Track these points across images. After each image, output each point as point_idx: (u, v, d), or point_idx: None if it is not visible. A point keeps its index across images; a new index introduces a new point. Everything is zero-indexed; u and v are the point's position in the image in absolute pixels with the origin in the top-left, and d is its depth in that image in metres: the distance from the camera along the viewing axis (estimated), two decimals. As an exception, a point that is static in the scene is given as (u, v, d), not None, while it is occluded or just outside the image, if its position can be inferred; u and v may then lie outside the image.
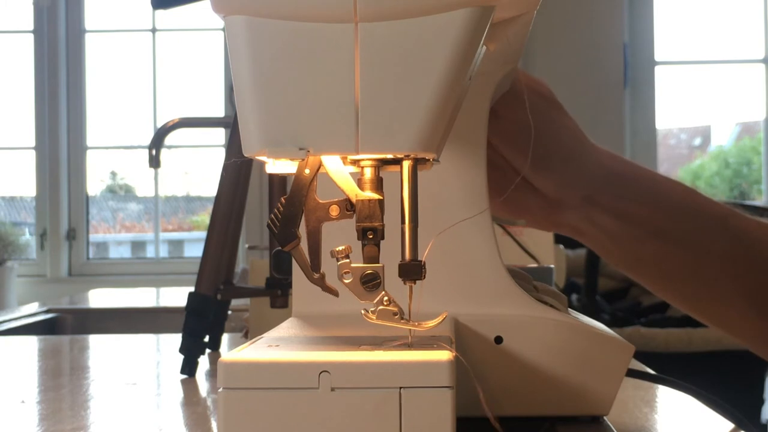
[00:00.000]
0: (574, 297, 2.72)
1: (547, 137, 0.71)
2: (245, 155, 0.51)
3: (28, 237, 4.26)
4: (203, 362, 1.11)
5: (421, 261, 0.52)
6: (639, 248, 0.73)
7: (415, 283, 0.52)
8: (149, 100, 4.23)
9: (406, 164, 0.52)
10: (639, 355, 0.88)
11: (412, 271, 0.52)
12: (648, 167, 0.77)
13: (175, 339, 1.15)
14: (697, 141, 4.91)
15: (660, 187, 0.74)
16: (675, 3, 4.14)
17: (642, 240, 0.73)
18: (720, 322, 0.76)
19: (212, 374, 1.07)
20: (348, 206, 0.52)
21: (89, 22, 4.22)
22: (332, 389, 0.47)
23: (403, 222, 0.52)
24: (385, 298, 0.51)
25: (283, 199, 0.52)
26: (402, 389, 0.47)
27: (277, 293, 1.16)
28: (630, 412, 0.80)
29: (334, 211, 0.52)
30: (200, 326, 1.10)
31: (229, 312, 1.27)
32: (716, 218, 0.73)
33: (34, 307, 2.18)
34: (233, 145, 1.16)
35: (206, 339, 1.11)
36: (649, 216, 0.72)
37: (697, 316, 0.76)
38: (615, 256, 0.75)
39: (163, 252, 4.35)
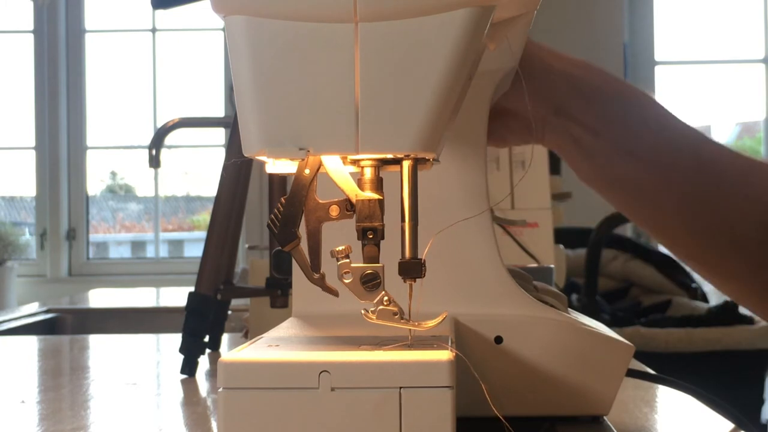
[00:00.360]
0: (574, 297, 2.72)
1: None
2: (245, 155, 0.51)
3: (28, 237, 4.26)
4: (203, 362, 1.11)
5: (421, 259, 0.52)
6: (610, 167, 0.72)
7: (415, 281, 0.52)
8: (149, 100, 4.23)
9: (406, 164, 0.52)
10: (639, 355, 0.88)
11: (412, 269, 0.52)
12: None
13: (175, 339, 1.15)
14: (697, 141, 4.90)
15: (635, 105, 0.73)
16: (675, 3, 4.14)
17: (614, 159, 0.72)
18: (687, 253, 0.75)
19: (212, 374, 1.07)
20: (348, 206, 0.52)
21: (89, 22, 4.22)
22: (332, 389, 0.47)
23: (403, 220, 0.52)
24: (385, 298, 0.51)
25: (283, 199, 0.52)
26: (402, 389, 0.47)
27: (277, 293, 1.17)
28: (630, 412, 0.80)
29: (334, 211, 0.52)
30: (200, 326, 1.10)
31: (229, 312, 1.27)
32: (689, 146, 0.72)
33: (34, 307, 2.18)
34: (233, 145, 1.16)
35: (206, 339, 1.11)
36: (622, 133, 0.72)
37: (666, 246, 0.75)
38: (587, 174, 0.74)
39: (163, 252, 4.35)
